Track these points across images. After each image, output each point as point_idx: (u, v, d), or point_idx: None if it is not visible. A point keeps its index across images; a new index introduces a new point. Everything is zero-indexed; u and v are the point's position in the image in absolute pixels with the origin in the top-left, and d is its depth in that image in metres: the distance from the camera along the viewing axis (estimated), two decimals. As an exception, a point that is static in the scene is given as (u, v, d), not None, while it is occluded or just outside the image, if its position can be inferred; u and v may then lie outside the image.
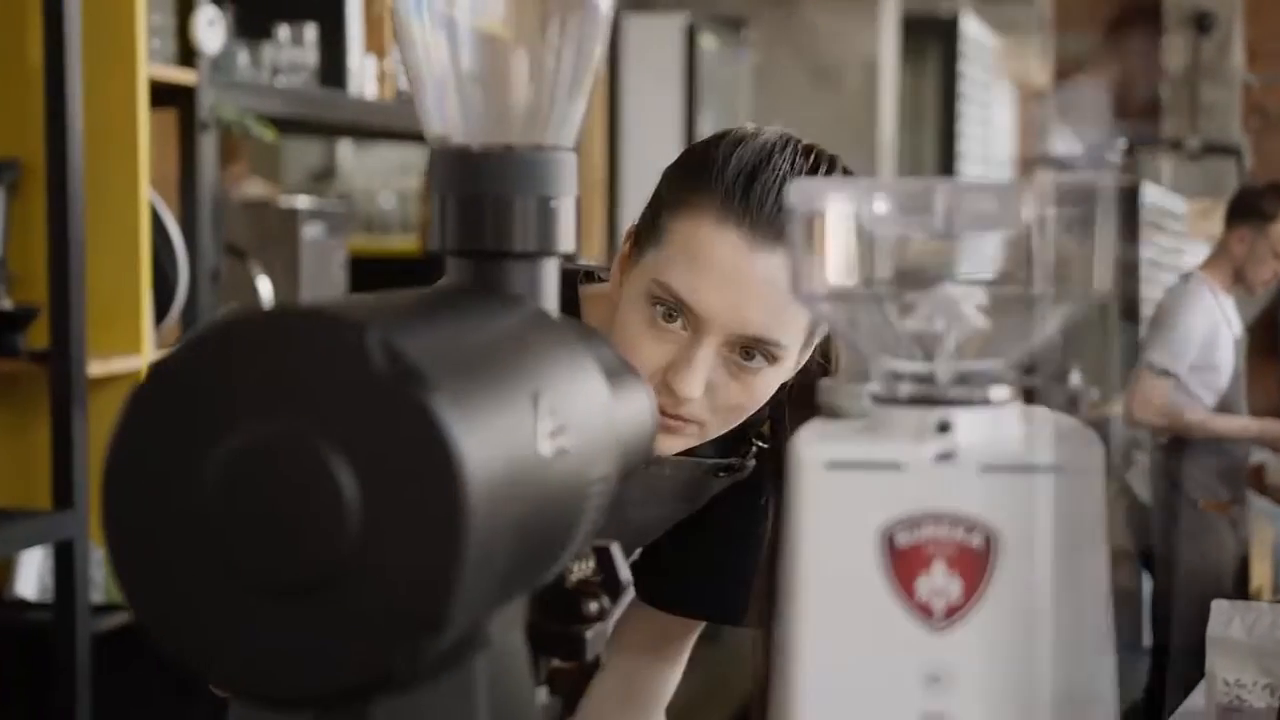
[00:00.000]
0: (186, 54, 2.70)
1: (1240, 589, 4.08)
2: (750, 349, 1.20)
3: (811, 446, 0.71)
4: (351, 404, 0.62)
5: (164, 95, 2.66)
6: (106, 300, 2.51)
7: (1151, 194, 7.35)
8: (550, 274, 0.85)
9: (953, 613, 0.68)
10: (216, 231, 2.80)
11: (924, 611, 0.68)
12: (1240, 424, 4.13)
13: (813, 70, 5.39)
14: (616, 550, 0.88)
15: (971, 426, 0.70)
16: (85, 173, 2.45)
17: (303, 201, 3.14)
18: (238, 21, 2.97)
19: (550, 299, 0.84)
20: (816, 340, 1.28)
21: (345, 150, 5.44)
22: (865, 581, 0.68)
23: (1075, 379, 6.58)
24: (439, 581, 0.61)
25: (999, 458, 0.69)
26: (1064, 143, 5.62)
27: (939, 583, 0.68)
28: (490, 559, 0.65)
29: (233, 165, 3.55)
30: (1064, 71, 9.83)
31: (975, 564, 0.69)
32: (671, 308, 1.20)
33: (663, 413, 1.21)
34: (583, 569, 0.90)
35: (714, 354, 1.20)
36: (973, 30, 7.54)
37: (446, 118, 0.85)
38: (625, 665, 1.48)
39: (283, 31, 3.04)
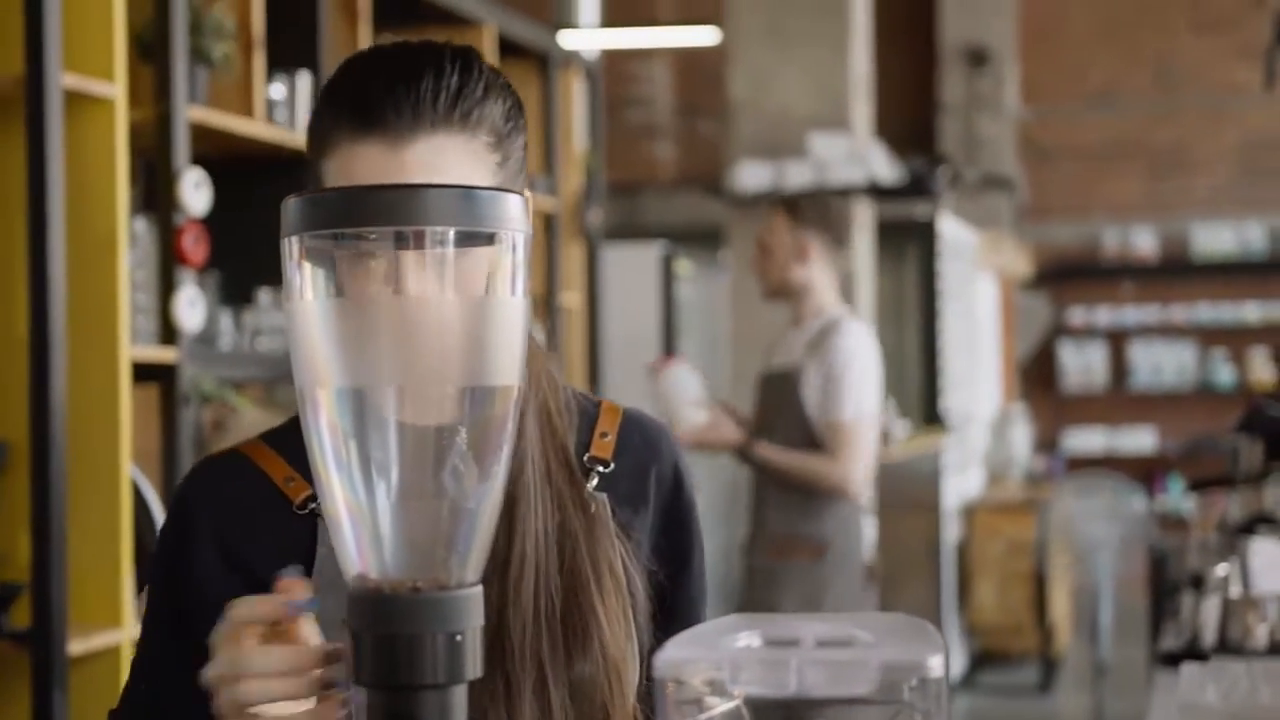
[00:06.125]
0: (168, 331, 2.81)
1: None
2: None
3: None
4: None
5: (146, 372, 2.77)
6: (88, 576, 2.58)
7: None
8: (460, 700, 0.92)
9: None
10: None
11: None
12: (781, 457, 3.80)
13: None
14: None
15: None
16: (68, 452, 2.54)
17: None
18: (222, 288, 3.09)
19: (460, 722, 0.92)
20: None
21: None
22: None
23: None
24: None
25: None
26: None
27: None
28: None
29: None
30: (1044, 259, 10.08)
31: None
32: None
33: None
34: None
35: None
36: (950, 230, 7.72)
37: (363, 558, 0.93)
38: None
39: (264, 296, 3.16)
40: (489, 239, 0.93)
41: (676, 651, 0.80)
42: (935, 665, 0.76)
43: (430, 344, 0.93)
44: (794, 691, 0.79)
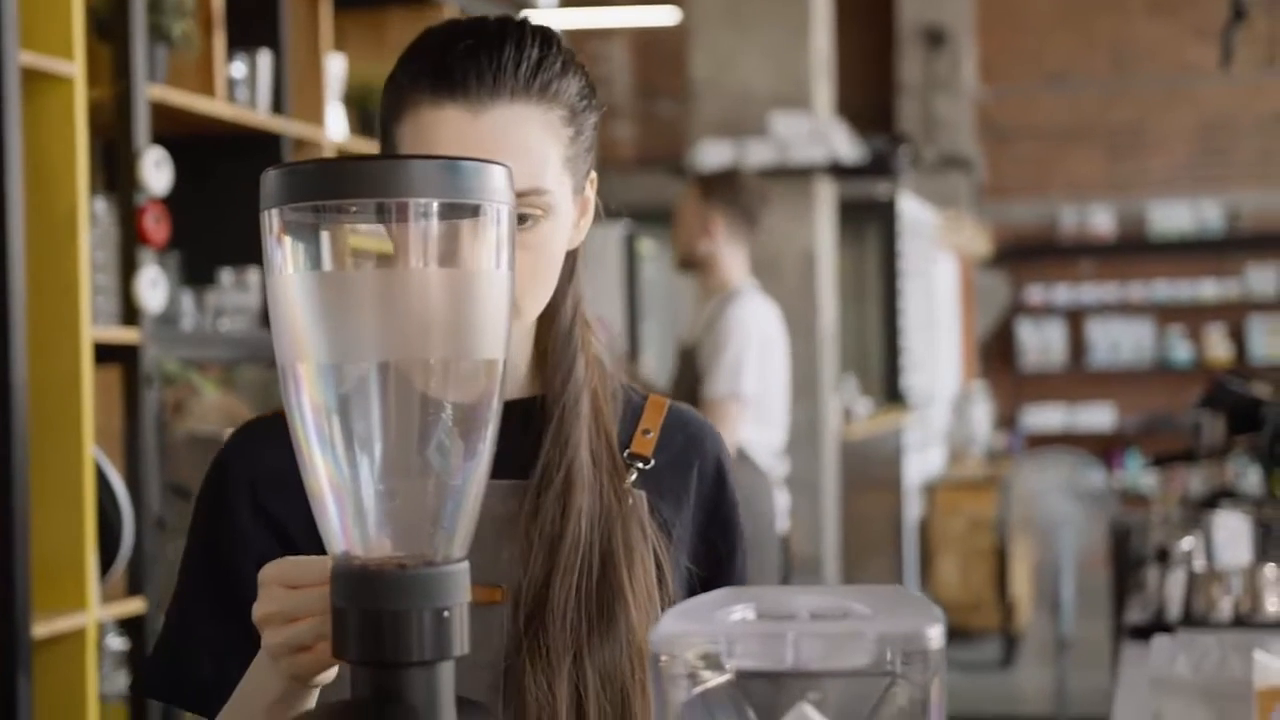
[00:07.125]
0: (130, 312, 2.78)
1: None
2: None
3: None
4: None
5: (108, 353, 2.74)
6: (51, 558, 2.55)
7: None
8: (446, 677, 0.91)
9: None
10: (162, 476, 2.85)
11: None
12: None
13: (752, 264, 5.49)
14: None
15: None
16: (30, 434, 2.51)
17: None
18: (183, 268, 3.06)
19: (446, 701, 0.90)
20: (591, 185, 1.29)
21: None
22: None
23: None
24: None
25: None
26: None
27: None
28: None
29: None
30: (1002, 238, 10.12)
31: None
32: None
33: None
34: None
35: None
36: (910, 209, 7.74)
37: (347, 535, 0.92)
38: None
39: (226, 276, 3.14)
40: (474, 211, 0.91)
41: (671, 625, 0.79)
42: (934, 636, 0.75)
43: (414, 318, 0.91)
44: (790, 665, 0.78)
